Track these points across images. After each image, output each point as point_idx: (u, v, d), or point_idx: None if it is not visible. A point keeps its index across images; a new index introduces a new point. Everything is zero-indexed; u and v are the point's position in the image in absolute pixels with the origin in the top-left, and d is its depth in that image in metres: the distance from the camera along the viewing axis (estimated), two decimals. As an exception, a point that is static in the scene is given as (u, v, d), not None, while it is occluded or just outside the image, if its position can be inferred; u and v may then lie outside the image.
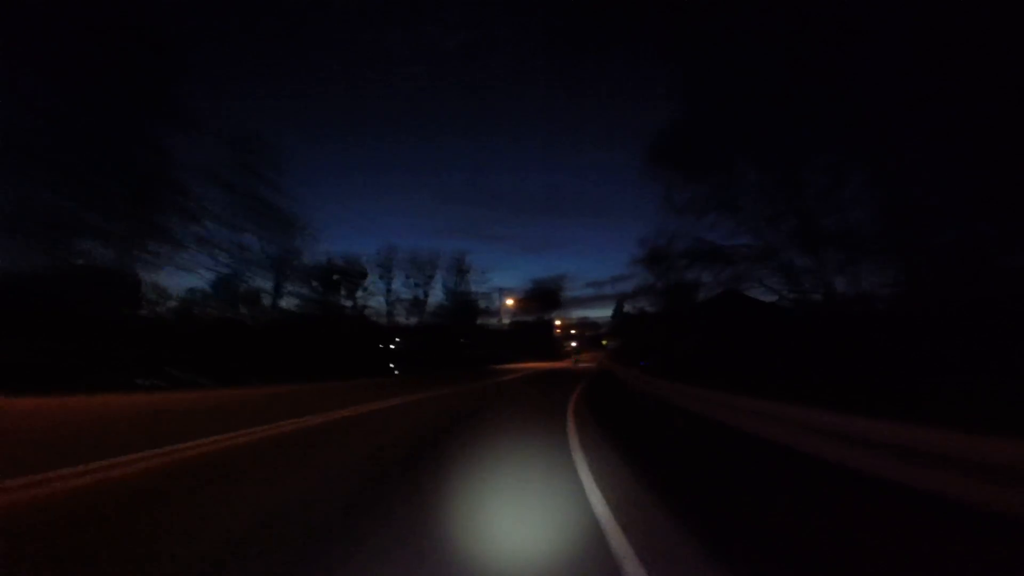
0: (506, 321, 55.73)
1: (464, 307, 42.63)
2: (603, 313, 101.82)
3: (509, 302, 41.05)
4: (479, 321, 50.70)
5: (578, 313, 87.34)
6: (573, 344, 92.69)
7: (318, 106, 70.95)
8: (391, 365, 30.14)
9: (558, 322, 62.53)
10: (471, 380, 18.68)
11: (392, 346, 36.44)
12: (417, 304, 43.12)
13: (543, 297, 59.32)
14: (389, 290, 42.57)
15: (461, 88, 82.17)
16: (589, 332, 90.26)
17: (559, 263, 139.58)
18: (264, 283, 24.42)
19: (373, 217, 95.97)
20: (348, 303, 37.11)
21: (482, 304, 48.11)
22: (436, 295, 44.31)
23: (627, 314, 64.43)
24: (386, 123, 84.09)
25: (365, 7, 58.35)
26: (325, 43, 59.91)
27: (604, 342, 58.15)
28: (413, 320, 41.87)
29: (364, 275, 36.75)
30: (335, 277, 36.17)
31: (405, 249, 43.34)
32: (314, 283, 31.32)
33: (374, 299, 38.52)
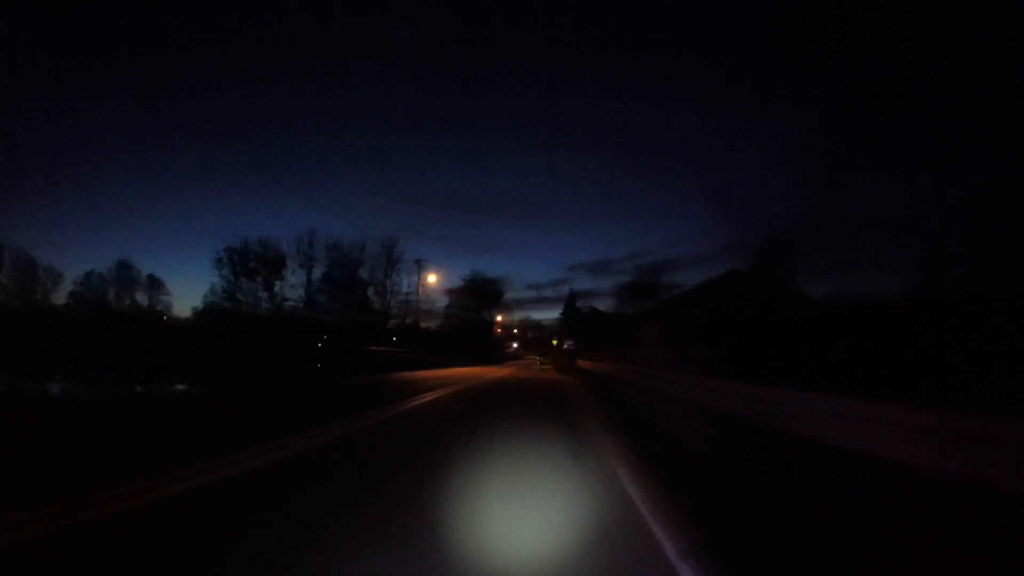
0: (440, 307, 46.04)
1: (359, 301, 33.71)
2: (545, 315, 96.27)
3: (432, 279, 31.93)
4: (408, 320, 40.95)
5: (520, 315, 79.85)
6: (515, 345, 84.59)
7: (258, 95, 65.91)
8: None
9: (499, 318, 53.72)
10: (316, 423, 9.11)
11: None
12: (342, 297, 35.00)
13: (481, 292, 50.34)
14: (309, 280, 34.05)
15: (404, 84, 75.78)
16: (533, 333, 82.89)
17: (500, 265, 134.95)
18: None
19: (305, 213, 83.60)
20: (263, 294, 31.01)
21: (413, 300, 38.94)
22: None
23: (587, 311, 57.55)
24: (328, 116, 76.72)
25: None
26: (270, 32, 55.17)
27: (555, 341, 50.35)
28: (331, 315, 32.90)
29: (282, 263, 31.75)
30: (251, 264, 31.05)
31: (329, 236, 34.57)
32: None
33: (295, 291, 32.53)
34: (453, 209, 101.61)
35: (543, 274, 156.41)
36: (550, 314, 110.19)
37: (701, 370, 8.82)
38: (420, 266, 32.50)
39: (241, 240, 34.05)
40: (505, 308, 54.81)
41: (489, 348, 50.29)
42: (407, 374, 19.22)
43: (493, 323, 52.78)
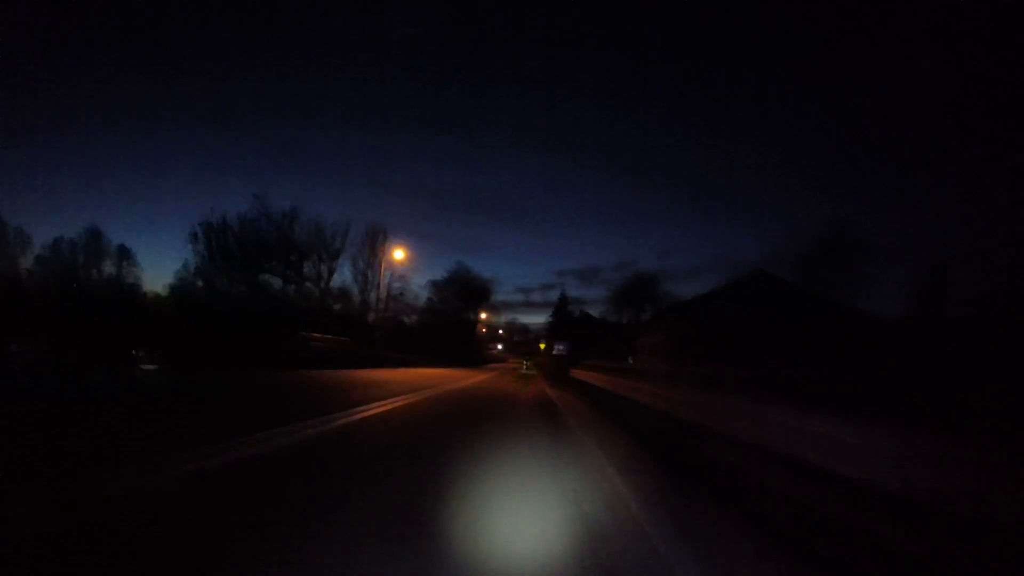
0: (419, 302, 41.71)
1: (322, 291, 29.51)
2: (532, 319, 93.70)
3: (399, 255, 27.38)
4: (382, 312, 36.55)
5: (507, 318, 76.28)
6: (499, 347, 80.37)
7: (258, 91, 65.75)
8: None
9: (483, 316, 49.26)
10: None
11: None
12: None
13: (465, 287, 45.96)
14: (288, 263, 30.16)
15: (403, 81, 74.89)
16: (519, 336, 78.92)
17: (488, 266, 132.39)
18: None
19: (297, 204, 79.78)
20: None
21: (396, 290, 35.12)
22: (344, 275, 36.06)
23: (578, 315, 53.29)
24: (322, 108, 73.15)
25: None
26: (269, 20, 53.28)
27: (542, 344, 46.40)
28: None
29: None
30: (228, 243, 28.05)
31: (310, 216, 32.93)
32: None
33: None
34: (443, 207, 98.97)
35: (532, 278, 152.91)
36: (537, 319, 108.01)
37: (733, 391, 6.25)
38: (383, 239, 27.72)
39: (219, 217, 30.79)
40: (491, 308, 50.56)
41: (469, 349, 45.94)
42: (348, 374, 14.84)
43: (476, 322, 48.34)
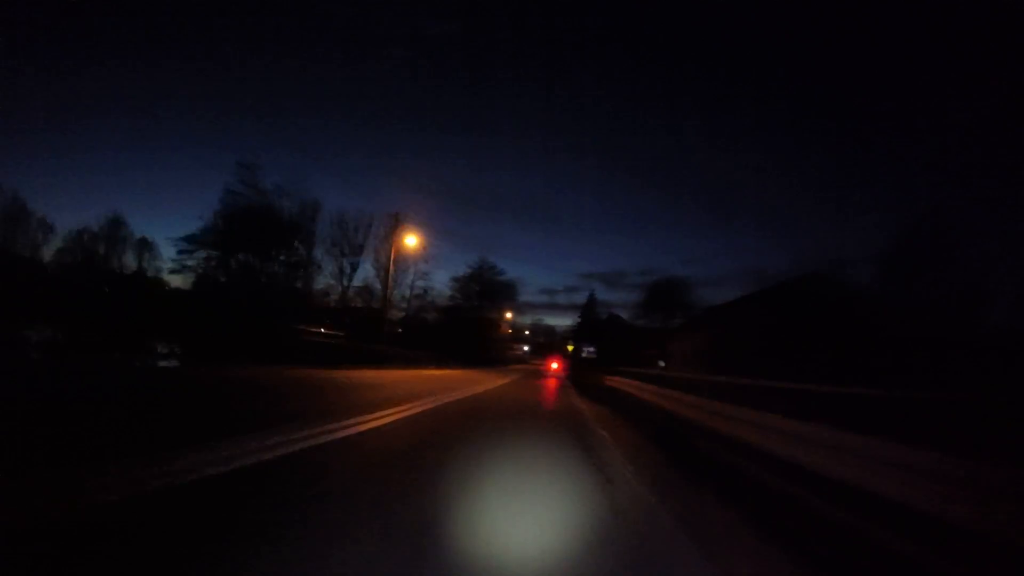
0: (420, 283, 39.41)
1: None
2: (557, 321, 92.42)
3: (411, 240, 25.10)
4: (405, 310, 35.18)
5: (531, 319, 74.55)
6: (524, 348, 78.27)
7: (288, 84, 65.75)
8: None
9: (508, 315, 47.07)
10: None
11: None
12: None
13: (488, 284, 43.93)
14: (309, 258, 29.14)
15: (433, 79, 78.05)
16: (544, 338, 76.66)
17: (513, 267, 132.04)
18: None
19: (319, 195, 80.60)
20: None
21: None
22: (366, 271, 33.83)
23: (605, 317, 50.48)
24: (349, 108, 77.69)
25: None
26: (300, 20, 54.47)
27: (570, 346, 44.16)
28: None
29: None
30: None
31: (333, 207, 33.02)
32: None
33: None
34: (468, 205, 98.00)
35: (556, 280, 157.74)
36: (562, 320, 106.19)
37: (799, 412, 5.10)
38: (396, 221, 25.68)
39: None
40: (516, 308, 48.45)
41: (490, 349, 43.91)
42: (336, 374, 12.91)
43: (499, 321, 46.27)
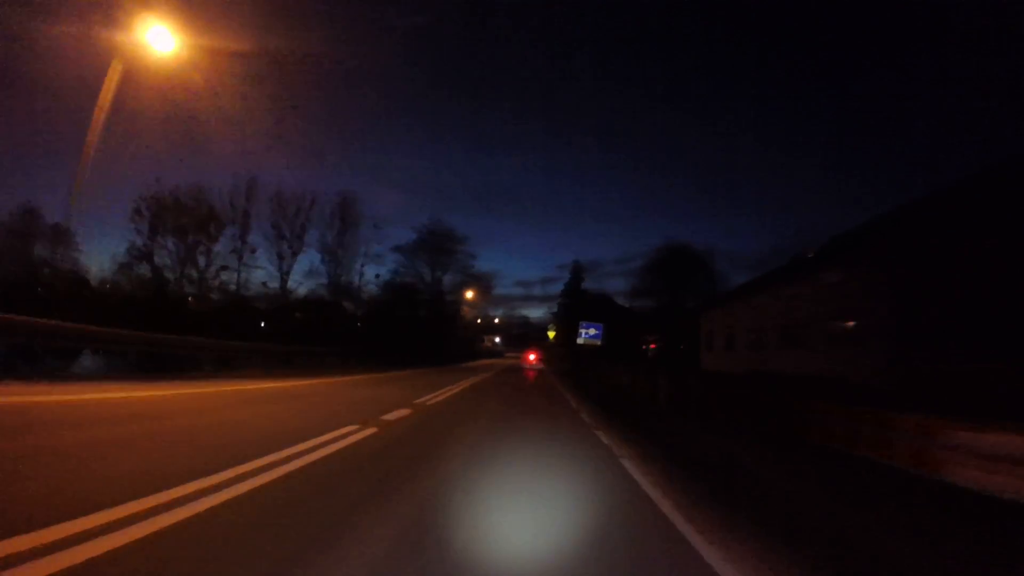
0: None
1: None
2: (532, 313, 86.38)
3: None
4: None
5: (505, 311, 64.87)
6: (496, 339, 67.82)
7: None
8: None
9: (470, 295, 35.54)
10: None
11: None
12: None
13: (442, 254, 32.67)
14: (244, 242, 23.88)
15: (404, 72, 68.72)
16: (518, 330, 66.24)
17: (488, 259, 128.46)
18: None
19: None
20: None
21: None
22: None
23: (597, 296, 39.06)
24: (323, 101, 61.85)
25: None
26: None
27: (551, 332, 34.07)
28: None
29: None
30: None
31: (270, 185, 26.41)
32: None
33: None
34: (441, 197, 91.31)
35: (532, 272, 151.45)
36: (537, 313, 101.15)
37: None
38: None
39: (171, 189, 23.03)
40: (480, 285, 37.16)
41: (449, 342, 32.87)
42: None
43: (458, 305, 34.97)
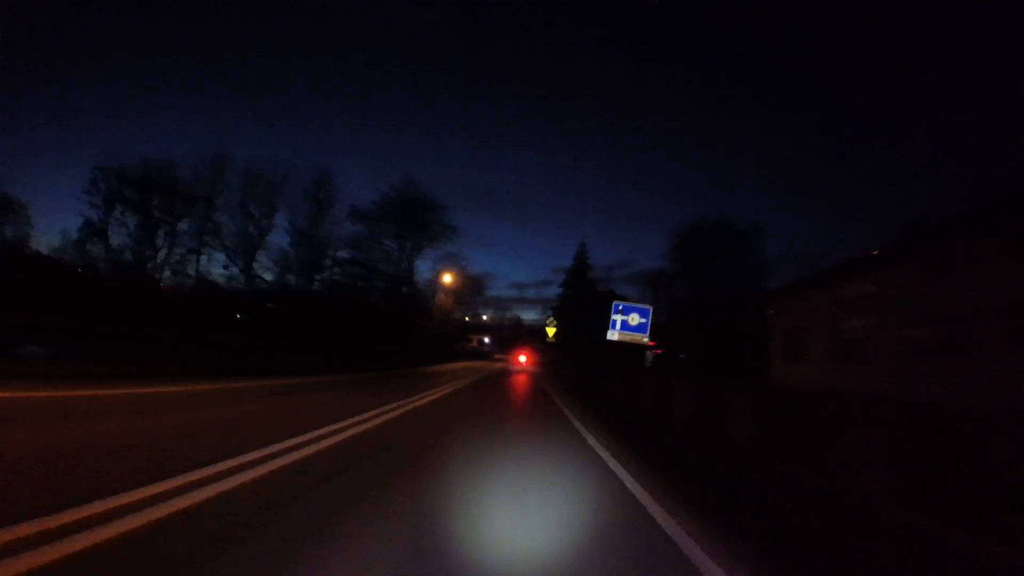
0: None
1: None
2: (526, 316, 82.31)
3: None
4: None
5: (498, 311, 58.84)
6: (485, 339, 60.90)
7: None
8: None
9: (448, 279, 27.82)
10: None
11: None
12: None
13: (412, 222, 25.35)
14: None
15: (402, 73, 75.89)
16: (509, 332, 59.12)
17: (483, 261, 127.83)
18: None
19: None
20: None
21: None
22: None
23: (604, 291, 29.77)
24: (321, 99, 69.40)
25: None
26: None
27: (550, 329, 27.45)
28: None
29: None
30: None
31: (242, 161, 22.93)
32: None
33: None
34: (436, 196, 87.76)
35: (527, 274, 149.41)
36: (530, 315, 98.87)
37: None
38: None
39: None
40: (459, 266, 29.64)
41: (414, 339, 25.43)
42: None
43: (431, 291, 27.51)
